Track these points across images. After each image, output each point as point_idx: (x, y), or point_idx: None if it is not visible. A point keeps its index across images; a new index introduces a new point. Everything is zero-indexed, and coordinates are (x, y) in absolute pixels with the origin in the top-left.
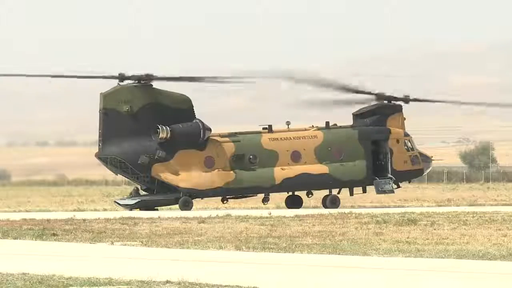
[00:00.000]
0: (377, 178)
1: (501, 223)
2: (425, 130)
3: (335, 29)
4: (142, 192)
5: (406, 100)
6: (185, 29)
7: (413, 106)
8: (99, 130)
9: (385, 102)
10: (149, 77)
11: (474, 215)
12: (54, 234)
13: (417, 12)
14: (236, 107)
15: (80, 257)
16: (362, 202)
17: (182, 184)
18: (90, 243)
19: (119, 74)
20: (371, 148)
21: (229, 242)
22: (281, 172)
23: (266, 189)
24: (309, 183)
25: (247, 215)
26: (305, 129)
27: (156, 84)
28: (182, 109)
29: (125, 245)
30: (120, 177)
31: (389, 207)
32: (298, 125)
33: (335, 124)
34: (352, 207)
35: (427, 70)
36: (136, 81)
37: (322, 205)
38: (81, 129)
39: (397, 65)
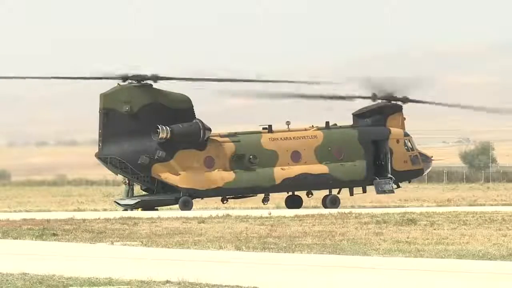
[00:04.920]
0: (377, 178)
1: (501, 223)
2: (425, 130)
3: (335, 29)
4: (140, 191)
5: (404, 100)
6: (185, 29)
7: (413, 106)
8: (99, 130)
9: (385, 101)
10: (155, 77)
11: (474, 215)
12: (54, 234)
13: (417, 12)
14: (236, 107)
15: (80, 257)
16: (362, 202)
17: (182, 184)
18: (90, 243)
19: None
20: (371, 148)
21: (229, 242)
22: (281, 172)
23: (266, 189)
24: (309, 183)
25: (247, 215)
26: (305, 129)
27: (156, 84)
28: (182, 109)
29: (125, 245)
30: (120, 177)
31: (389, 207)
32: (298, 125)
33: (335, 124)
34: (352, 207)
35: (427, 70)
36: (136, 81)
37: (322, 205)
38: (81, 129)
39: (397, 65)
